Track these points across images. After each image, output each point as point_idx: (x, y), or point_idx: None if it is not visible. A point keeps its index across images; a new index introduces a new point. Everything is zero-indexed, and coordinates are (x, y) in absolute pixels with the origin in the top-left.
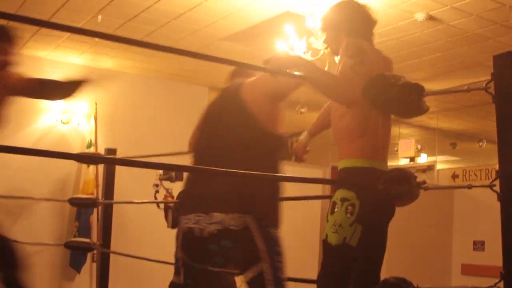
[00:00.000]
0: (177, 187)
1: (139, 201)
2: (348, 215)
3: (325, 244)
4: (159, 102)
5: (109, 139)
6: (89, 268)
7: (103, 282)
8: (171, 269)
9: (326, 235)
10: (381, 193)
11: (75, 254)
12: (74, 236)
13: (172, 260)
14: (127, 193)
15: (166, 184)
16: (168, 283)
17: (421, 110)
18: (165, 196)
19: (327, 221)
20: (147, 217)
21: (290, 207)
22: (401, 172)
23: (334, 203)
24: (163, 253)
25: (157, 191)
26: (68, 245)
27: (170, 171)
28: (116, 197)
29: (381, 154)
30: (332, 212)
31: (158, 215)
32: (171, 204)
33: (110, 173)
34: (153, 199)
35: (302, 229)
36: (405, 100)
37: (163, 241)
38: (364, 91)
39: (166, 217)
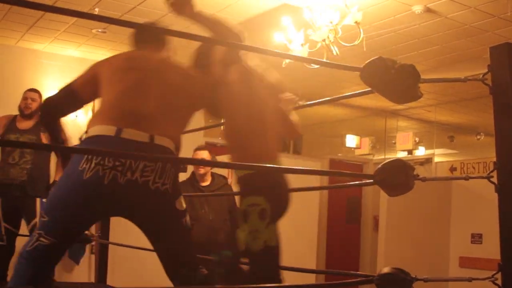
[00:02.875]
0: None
1: None
2: (262, 219)
3: (247, 254)
4: None
5: None
6: (88, 260)
7: (101, 273)
8: None
9: (247, 245)
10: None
11: (74, 246)
12: None
13: None
14: None
15: None
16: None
17: (416, 95)
18: None
19: (242, 231)
20: None
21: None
22: (398, 162)
23: (245, 211)
24: None
25: None
26: None
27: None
28: None
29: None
30: (246, 220)
31: None
32: None
33: None
34: None
35: (301, 221)
36: (401, 84)
37: None
38: (361, 73)
39: None
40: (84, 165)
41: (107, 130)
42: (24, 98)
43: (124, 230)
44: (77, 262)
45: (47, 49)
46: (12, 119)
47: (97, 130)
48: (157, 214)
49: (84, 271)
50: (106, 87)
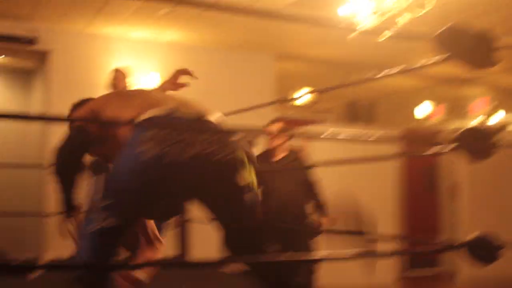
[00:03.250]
0: None
1: None
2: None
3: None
4: (222, 73)
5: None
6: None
7: (183, 247)
8: None
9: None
10: None
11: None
12: None
13: None
14: None
15: None
16: None
17: (493, 61)
18: None
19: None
20: None
21: (367, 169)
22: (475, 129)
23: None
24: None
25: None
26: None
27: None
28: None
29: None
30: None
31: None
32: None
33: None
34: None
35: (380, 191)
36: (477, 50)
37: None
38: (436, 41)
39: None
40: (142, 147)
41: (158, 111)
42: (113, 77)
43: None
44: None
45: (115, 33)
46: None
47: (148, 114)
48: (219, 187)
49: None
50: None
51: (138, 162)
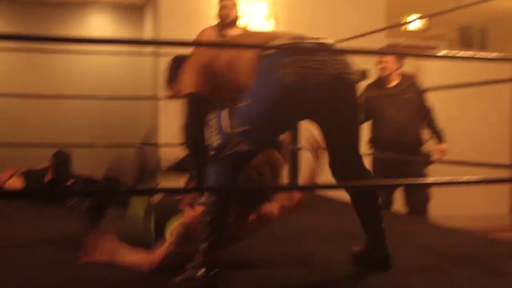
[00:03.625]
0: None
1: None
2: None
3: None
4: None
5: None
6: None
7: (293, 177)
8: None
9: None
10: None
11: None
12: None
13: None
14: None
15: None
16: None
17: None
18: None
19: None
20: None
21: (476, 93)
22: None
23: None
24: None
25: None
26: None
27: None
28: None
29: None
30: None
31: None
32: None
33: None
34: None
35: (491, 117)
36: None
37: None
38: None
39: None
40: (282, 72)
41: (285, 40)
42: (222, 7)
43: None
44: None
45: None
46: (219, 29)
47: (276, 42)
48: (347, 103)
49: None
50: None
51: (280, 86)
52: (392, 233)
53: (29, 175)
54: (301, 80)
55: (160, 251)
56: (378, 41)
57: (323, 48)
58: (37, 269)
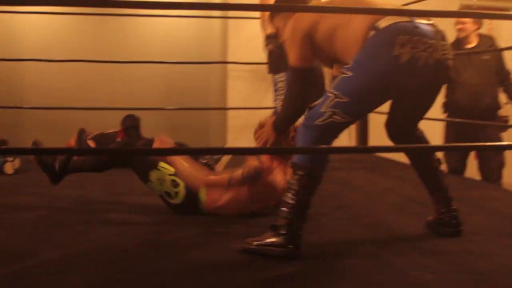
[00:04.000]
0: None
1: None
2: None
3: None
4: None
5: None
6: (348, 129)
7: (362, 142)
8: (431, 126)
9: None
10: None
11: None
12: None
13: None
14: None
15: None
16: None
17: None
18: None
19: None
20: None
21: None
22: None
23: None
24: None
25: None
26: None
27: None
28: None
29: None
30: None
31: None
32: None
33: None
34: None
35: None
36: None
37: None
38: None
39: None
40: (398, 50)
41: (403, 19)
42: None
43: None
44: None
45: None
46: None
47: (391, 20)
48: (438, 88)
49: (344, 139)
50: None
51: (394, 65)
52: (464, 199)
53: (100, 139)
54: (414, 61)
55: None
56: (451, 3)
57: (436, 31)
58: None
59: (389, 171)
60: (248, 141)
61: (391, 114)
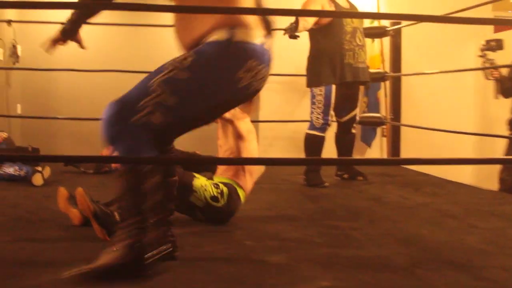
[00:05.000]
0: (500, 57)
1: (429, 71)
2: None
3: None
4: None
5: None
6: (379, 142)
7: (394, 155)
8: (462, 139)
9: None
10: None
11: (366, 129)
12: (363, 112)
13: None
14: (413, 65)
15: (489, 54)
16: (459, 153)
17: None
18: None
19: None
20: (436, 89)
21: None
22: None
23: None
24: (454, 124)
25: (484, 61)
26: (360, 121)
27: (490, 42)
28: (403, 71)
29: None
30: None
31: (448, 86)
32: (497, 75)
33: (396, 46)
34: (440, 70)
35: None
36: None
37: (453, 112)
38: None
39: (497, 87)
40: (242, 74)
41: (254, 37)
42: None
43: (415, 112)
44: (369, 145)
45: None
46: None
47: (244, 33)
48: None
49: (376, 153)
50: None
51: (234, 86)
52: (503, 214)
53: None
54: (247, 87)
55: None
56: (485, 14)
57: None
58: None
59: (422, 185)
60: (279, 152)
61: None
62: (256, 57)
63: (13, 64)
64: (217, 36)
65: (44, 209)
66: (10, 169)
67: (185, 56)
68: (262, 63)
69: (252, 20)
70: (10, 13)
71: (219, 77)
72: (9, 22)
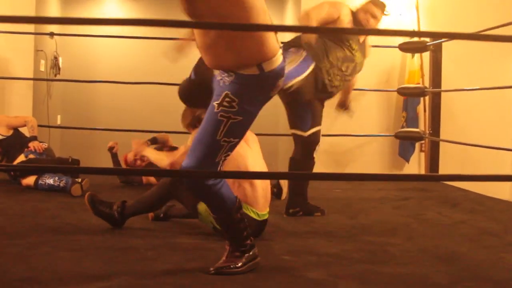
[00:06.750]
0: None
1: (468, 88)
2: None
3: None
4: None
5: (432, 29)
6: (418, 157)
7: (433, 171)
8: (502, 156)
9: None
10: None
11: (404, 144)
12: (402, 127)
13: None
14: (453, 81)
15: None
16: (497, 169)
17: None
18: None
19: None
20: (476, 105)
21: None
22: None
23: None
24: (493, 140)
25: None
26: (398, 136)
27: None
28: (442, 86)
29: None
30: None
31: (488, 102)
32: None
33: (436, 61)
34: (480, 85)
35: None
36: None
37: (493, 128)
38: None
39: None
40: (274, 92)
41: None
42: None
43: (454, 127)
44: (407, 160)
45: None
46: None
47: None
48: None
49: (414, 168)
50: None
51: (266, 100)
52: None
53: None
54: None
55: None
56: None
57: None
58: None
59: (460, 201)
60: (316, 166)
61: None
62: (282, 75)
63: (54, 75)
64: (250, 70)
65: (82, 220)
66: (50, 180)
67: (228, 101)
68: (283, 76)
69: (276, 46)
70: (52, 26)
71: (260, 103)
72: (51, 34)
